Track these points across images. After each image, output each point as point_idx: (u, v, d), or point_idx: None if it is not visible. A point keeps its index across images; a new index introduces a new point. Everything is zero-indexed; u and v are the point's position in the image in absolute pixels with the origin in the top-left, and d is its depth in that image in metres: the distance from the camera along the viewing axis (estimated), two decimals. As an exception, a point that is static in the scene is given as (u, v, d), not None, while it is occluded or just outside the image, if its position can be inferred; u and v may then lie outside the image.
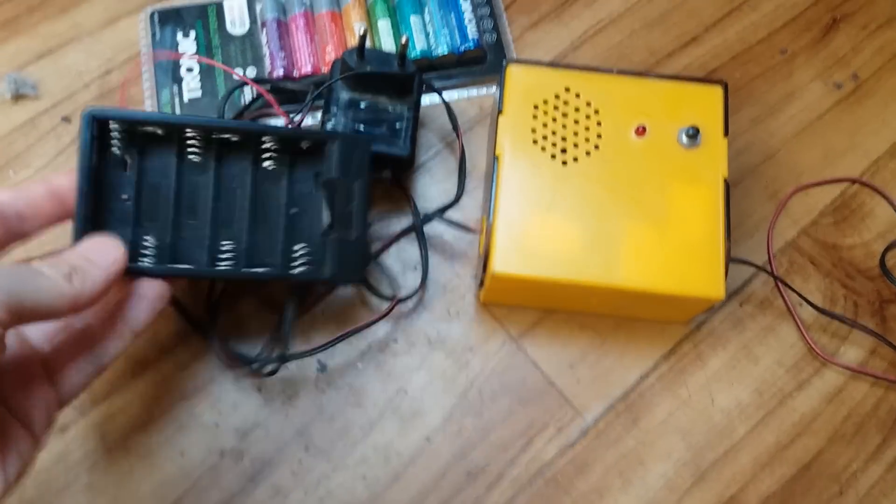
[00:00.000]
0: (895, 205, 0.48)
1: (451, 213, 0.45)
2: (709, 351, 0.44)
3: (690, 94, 0.41)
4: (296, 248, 0.39)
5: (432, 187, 0.47)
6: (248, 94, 0.47)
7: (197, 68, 0.47)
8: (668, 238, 0.39)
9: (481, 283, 0.41)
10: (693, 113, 0.41)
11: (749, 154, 0.49)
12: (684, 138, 0.40)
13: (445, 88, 0.48)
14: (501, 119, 0.41)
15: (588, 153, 0.40)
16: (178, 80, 0.47)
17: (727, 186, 0.40)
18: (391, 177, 0.43)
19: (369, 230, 0.38)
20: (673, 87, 0.42)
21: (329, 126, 0.41)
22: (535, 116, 0.41)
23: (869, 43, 0.52)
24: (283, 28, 0.48)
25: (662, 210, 0.39)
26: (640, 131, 0.40)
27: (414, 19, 0.48)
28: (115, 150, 0.36)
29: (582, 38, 0.51)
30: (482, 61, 0.49)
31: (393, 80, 0.41)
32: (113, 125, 0.35)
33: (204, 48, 0.48)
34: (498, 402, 0.42)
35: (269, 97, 0.43)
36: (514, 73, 0.41)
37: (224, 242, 0.38)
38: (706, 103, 0.41)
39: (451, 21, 0.49)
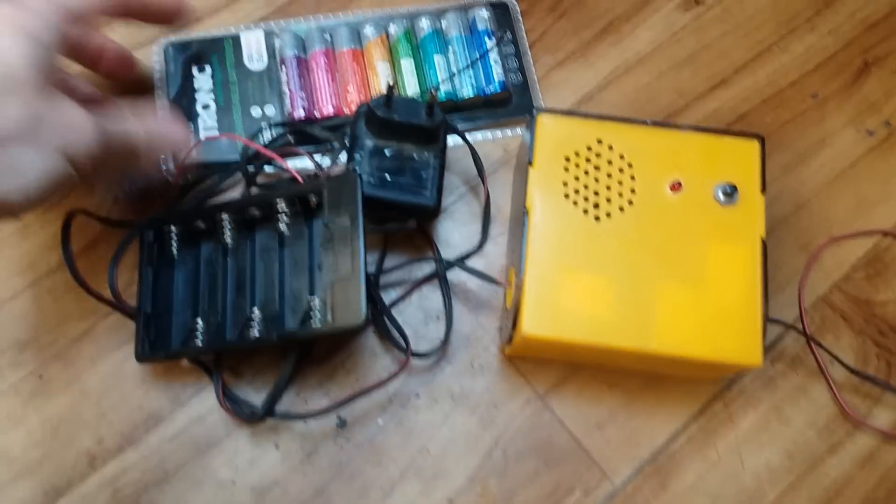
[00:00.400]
0: (929, 258, 0.47)
1: (475, 261, 0.44)
2: (739, 411, 0.43)
3: (727, 148, 0.40)
4: (312, 301, 0.38)
5: (455, 232, 0.45)
6: (266, 132, 0.45)
7: (213, 106, 0.46)
8: (703, 300, 0.37)
9: (509, 340, 0.40)
10: (729, 168, 0.40)
11: (780, 203, 0.47)
12: (721, 195, 0.39)
13: (470, 130, 0.47)
14: (531, 171, 0.39)
15: (621, 209, 0.39)
16: (193, 118, 0.46)
17: (765, 247, 0.39)
18: (416, 225, 0.42)
19: (367, 268, 0.37)
20: (709, 140, 0.40)
21: None
22: (566, 169, 0.39)
23: (902, 88, 0.51)
24: (303, 66, 0.47)
25: (698, 270, 0.38)
26: (676, 187, 0.39)
27: (438, 59, 0.47)
28: (173, 248, 0.41)
29: (608, 78, 0.50)
30: (508, 103, 0.48)
31: (420, 129, 0.40)
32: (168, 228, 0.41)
33: (220, 84, 0.47)
34: (523, 463, 0.41)
35: (287, 166, 0.42)
36: (544, 123, 0.40)
37: (254, 311, 0.39)
38: (743, 158, 0.40)
39: (476, 62, 0.47)
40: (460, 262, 0.43)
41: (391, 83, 0.39)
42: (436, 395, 0.42)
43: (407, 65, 0.47)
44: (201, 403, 0.40)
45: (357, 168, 0.40)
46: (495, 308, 0.44)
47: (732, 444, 0.42)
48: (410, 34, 0.48)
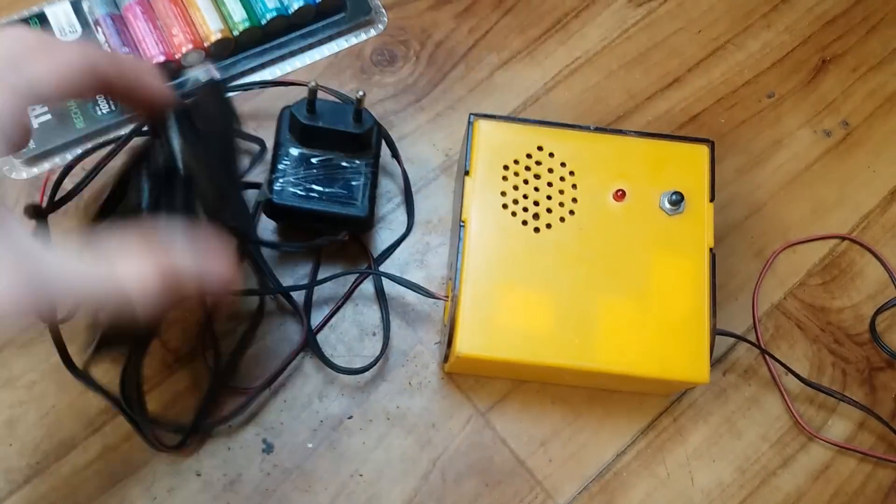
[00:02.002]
0: (885, 264, 0.45)
1: (415, 273, 0.42)
2: (689, 425, 0.41)
3: (674, 154, 0.38)
4: None
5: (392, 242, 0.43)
6: (102, 104, 0.43)
7: None
8: (648, 314, 0.36)
9: (446, 358, 0.37)
10: (676, 175, 0.38)
11: (733, 208, 0.46)
12: (667, 204, 0.37)
13: (311, 46, 0.46)
14: (468, 181, 0.37)
15: (562, 219, 0.37)
16: None
17: (713, 257, 0.37)
18: (347, 237, 0.40)
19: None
20: (655, 146, 0.38)
21: (277, 186, 0.37)
22: (504, 178, 0.37)
23: (859, 87, 0.49)
24: (119, 22, 0.44)
25: (642, 283, 0.36)
26: (619, 195, 0.37)
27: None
28: None
29: (556, 78, 0.48)
30: (343, 9, 0.46)
31: (348, 135, 0.38)
32: None
33: None
34: (462, 485, 0.39)
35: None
36: (482, 129, 0.38)
37: None
38: (691, 164, 0.38)
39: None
40: (397, 276, 0.40)
41: (314, 85, 0.36)
42: (370, 416, 0.39)
43: None
44: (116, 429, 0.38)
45: (281, 179, 0.37)
46: (435, 322, 0.42)
47: (682, 459, 0.41)
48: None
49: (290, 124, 0.38)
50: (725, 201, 0.45)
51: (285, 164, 0.38)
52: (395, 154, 0.42)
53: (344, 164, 0.38)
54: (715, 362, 0.42)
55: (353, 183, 0.38)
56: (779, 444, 0.41)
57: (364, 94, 0.36)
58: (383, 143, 0.41)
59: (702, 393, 0.42)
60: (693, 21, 0.50)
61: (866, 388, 0.43)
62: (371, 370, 0.40)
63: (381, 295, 0.41)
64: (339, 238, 0.39)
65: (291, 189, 0.37)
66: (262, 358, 0.40)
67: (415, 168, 0.45)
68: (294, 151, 0.38)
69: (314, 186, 0.38)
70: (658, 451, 0.41)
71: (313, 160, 0.38)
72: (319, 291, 0.41)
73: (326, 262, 0.42)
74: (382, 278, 0.41)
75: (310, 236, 0.40)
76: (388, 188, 0.44)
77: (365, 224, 0.39)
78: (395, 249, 0.42)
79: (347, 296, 0.41)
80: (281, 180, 0.37)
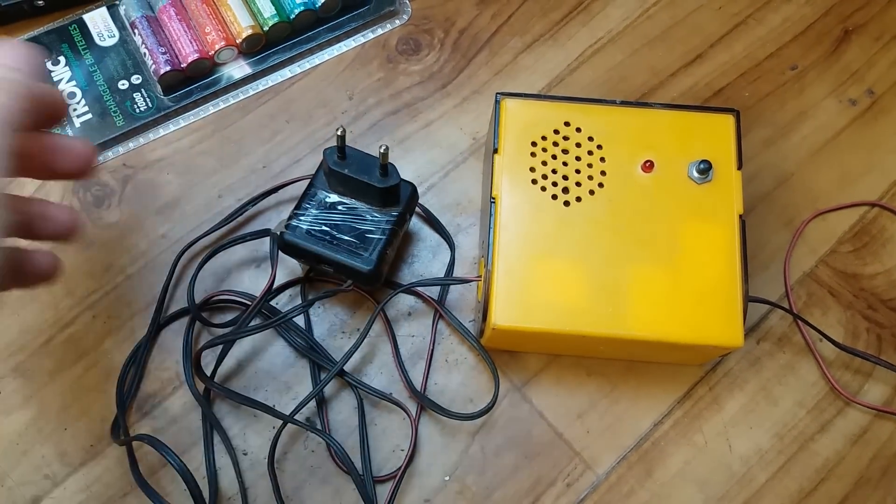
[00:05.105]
0: (917, 229, 0.45)
1: (447, 255, 0.43)
2: (725, 393, 0.42)
3: (700, 124, 0.39)
4: None
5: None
6: (140, 102, 0.45)
7: (79, 93, 0.45)
8: (680, 281, 0.36)
9: (481, 333, 0.38)
10: (703, 145, 0.38)
11: (761, 179, 0.46)
12: (695, 173, 0.37)
13: (338, 39, 0.48)
14: (497, 158, 0.38)
15: (592, 192, 0.37)
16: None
17: (743, 223, 0.37)
18: (352, 287, 0.39)
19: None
20: (681, 117, 0.39)
21: (294, 222, 0.38)
22: (533, 154, 0.38)
23: (883, 55, 0.49)
24: (154, 23, 0.45)
25: (673, 251, 0.37)
26: (647, 167, 0.38)
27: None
28: None
29: (579, 59, 0.48)
30: (368, 1, 0.48)
31: (371, 187, 0.37)
32: None
33: (79, 70, 0.45)
34: (502, 458, 0.40)
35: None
36: (509, 107, 0.39)
37: None
38: (717, 134, 0.39)
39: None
40: (428, 279, 0.42)
41: (341, 131, 0.36)
42: (408, 393, 0.40)
43: None
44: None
45: (301, 217, 0.38)
46: (469, 301, 0.42)
47: (719, 427, 0.41)
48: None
49: (325, 168, 0.38)
50: (753, 173, 0.46)
51: (309, 204, 0.38)
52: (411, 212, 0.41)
53: (366, 215, 0.38)
54: (748, 331, 0.43)
55: (369, 235, 0.38)
56: (816, 410, 0.41)
57: (387, 149, 0.36)
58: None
59: (737, 362, 0.42)
60: (713, -3, 0.50)
61: (902, 353, 0.43)
62: (408, 347, 0.41)
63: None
64: (344, 287, 0.39)
65: (306, 227, 0.38)
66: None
67: (443, 152, 0.46)
68: (321, 194, 0.39)
69: (328, 230, 0.38)
70: (695, 420, 0.41)
71: (337, 206, 0.38)
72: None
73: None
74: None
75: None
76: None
77: (369, 278, 0.38)
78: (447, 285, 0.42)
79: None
80: (300, 218, 0.38)
